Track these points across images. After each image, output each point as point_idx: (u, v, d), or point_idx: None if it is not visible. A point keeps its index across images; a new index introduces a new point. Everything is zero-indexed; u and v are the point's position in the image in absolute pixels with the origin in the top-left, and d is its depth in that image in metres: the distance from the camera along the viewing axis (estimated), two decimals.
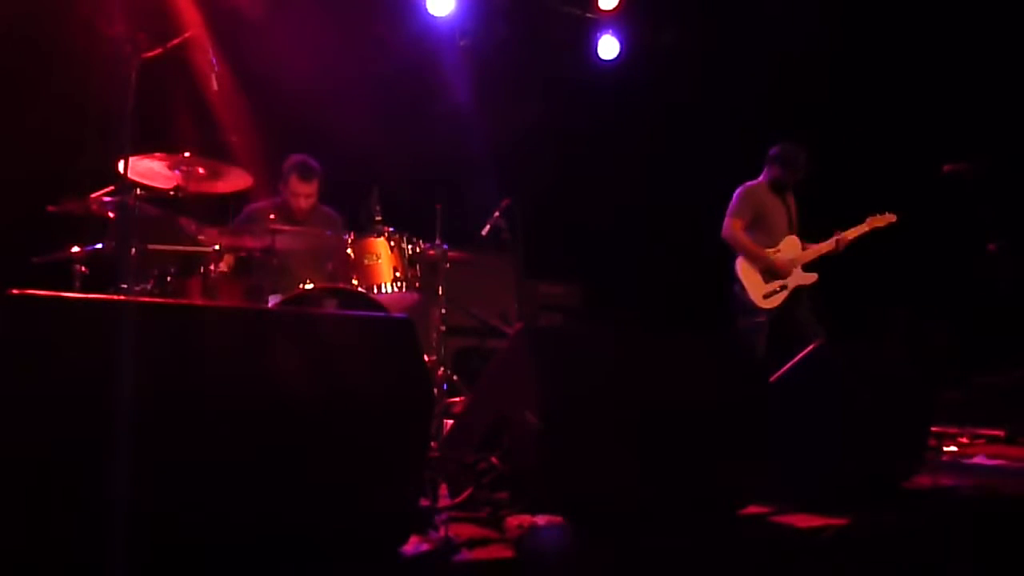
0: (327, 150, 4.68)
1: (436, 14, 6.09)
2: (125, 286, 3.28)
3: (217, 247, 3.76)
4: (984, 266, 5.00)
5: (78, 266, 3.64)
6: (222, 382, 1.62)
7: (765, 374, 2.64)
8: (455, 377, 4.32)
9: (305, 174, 4.46)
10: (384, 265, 4.05)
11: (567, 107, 6.71)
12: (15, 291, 1.46)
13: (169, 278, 3.60)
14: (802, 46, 6.25)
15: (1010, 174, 5.25)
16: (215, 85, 3.81)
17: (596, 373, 2.15)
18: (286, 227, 3.89)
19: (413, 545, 1.79)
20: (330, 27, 5.43)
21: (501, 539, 1.92)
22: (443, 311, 4.39)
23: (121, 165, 3.32)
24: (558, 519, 2.06)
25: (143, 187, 3.56)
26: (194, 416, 1.57)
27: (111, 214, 3.57)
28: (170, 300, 3.27)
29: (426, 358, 2.77)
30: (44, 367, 1.45)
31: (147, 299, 3.07)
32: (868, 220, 5.31)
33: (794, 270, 5.13)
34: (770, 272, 5.12)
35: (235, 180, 3.83)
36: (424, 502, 1.99)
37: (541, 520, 2.05)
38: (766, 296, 5.10)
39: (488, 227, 4.87)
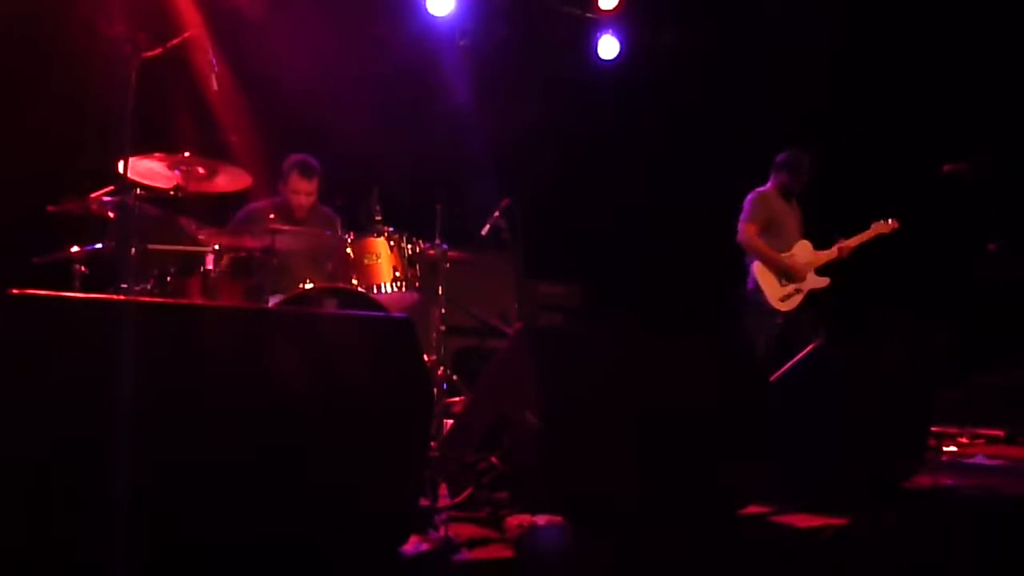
0: (327, 150, 4.68)
1: (436, 14, 6.09)
2: (125, 286, 3.28)
3: (217, 247, 3.76)
4: (984, 266, 5.00)
5: (78, 266, 3.64)
6: (222, 382, 1.62)
7: (765, 374, 2.64)
8: (455, 377, 4.32)
9: (306, 172, 4.47)
10: (384, 265, 4.05)
11: (567, 107, 6.70)
12: (15, 291, 1.46)
13: (169, 278, 3.60)
14: (802, 46, 6.25)
15: (1010, 174, 5.25)
16: (215, 85, 3.81)
17: (596, 373, 2.15)
18: (286, 227, 3.89)
19: (413, 545, 1.79)
20: (330, 27, 5.43)
21: (501, 539, 1.92)
22: (443, 311, 4.39)
23: (121, 165, 3.32)
24: (558, 519, 2.06)
25: (143, 187, 3.56)
26: (194, 416, 1.57)
27: (111, 214, 3.57)
28: (170, 300, 3.27)
29: (426, 358, 2.77)
30: (44, 367, 1.45)
31: (147, 299, 3.07)
32: (873, 227, 5.39)
33: (808, 274, 5.22)
34: (785, 276, 5.19)
35: (235, 180, 3.83)
36: (424, 502, 1.99)
37: (541, 520, 2.05)
38: (783, 299, 5.17)
39: (488, 227, 4.87)
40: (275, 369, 1.66)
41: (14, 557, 1.39)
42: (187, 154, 3.55)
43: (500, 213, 4.88)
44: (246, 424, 1.61)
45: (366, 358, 1.80)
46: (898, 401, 2.85)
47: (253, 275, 4.09)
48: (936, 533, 2.50)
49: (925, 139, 6.07)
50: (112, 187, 3.50)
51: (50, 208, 3.60)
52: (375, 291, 3.98)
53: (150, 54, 3.40)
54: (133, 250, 3.30)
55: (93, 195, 3.51)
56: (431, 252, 4.31)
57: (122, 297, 2.88)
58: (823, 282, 5.24)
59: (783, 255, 5.21)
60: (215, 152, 3.88)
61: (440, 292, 4.37)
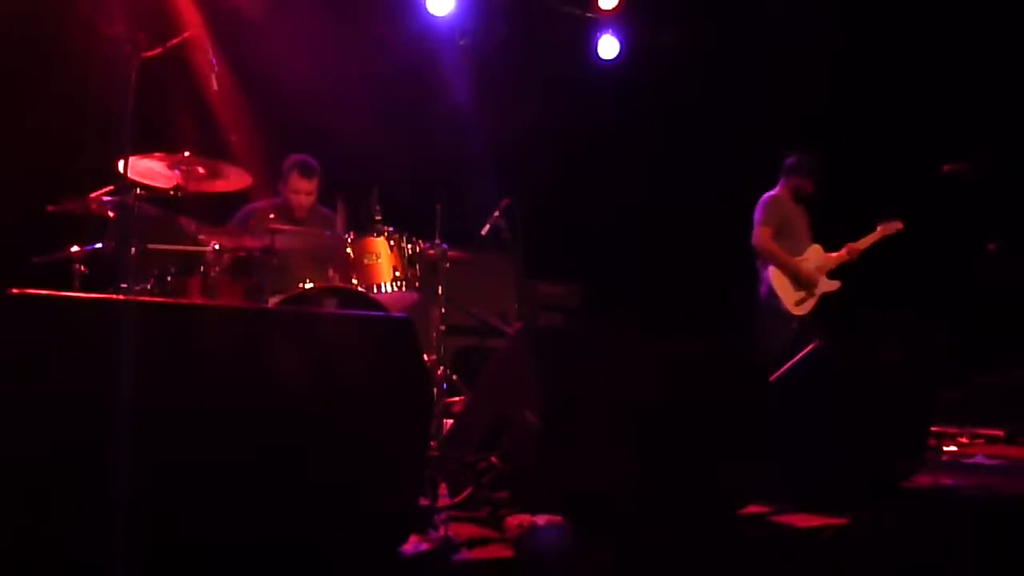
0: (327, 150, 4.68)
1: (436, 14, 6.09)
2: (125, 286, 3.28)
3: (217, 247, 3.76)
4: (984, 266, 5.01)
5: (78, 266, 3.64)
6: (222, 382, 1.62)
7: (765, 374, 2.64)
8: (455, 377, 4.32)
9: (306, 171, 4.47)
10: (384, 264, 4.05)
11: (567, 107, 6.70)
12: (15, 291, 1.46)
13: (169, 278, 3.60)
14: (802, 46, 6.25)
15: (1010, 174, 5.25)
16: (215, 85, 3.81)
17: (596, 373, 2.15)
18: (286, 227, 3.89)
19: (413, 545, 1.79)
20: (330, 27, 5.43)
21: (501, 539, 1.92)
22: (443, 311, 4.39)
23: (121, 165, 3.32)
24: (558, 519, 2.06)
25: (143, 187, 3.56)
26: (194, 416, 1.57)
27: (111, 214, 3.57)
28: (170, 300, 3.27)
29: (426, 358, 2.77)
30: (44, 367, 1.45)
31: (147, 299, 3.07)
32: (879, 228, 5.43)
33: (820, 277, 5.26)
34: (798, 280, 5.22)
35: (235, 180, 3.83)
36: (424, 502, 1.99)
37: (541, 520, 2.05)
38: (798, 303, 5.22)
39: (488, 227, 4.87)
40: (275, 369, 1.66)
41: (14, 557, 1.39)
42: (187, 154, 3.55)
43: (500, 213, 4.88)
44: (246, 424, 1.61)
45: (366, 358, 1.80)
46: (898, 401, 2.85)
47: (253, 275, 4.09)
48: (936, 533, 2.50)
49: (925, 139, 6.07)
50: (112, 187, 3.50)
51: (50, 208, 3.60)
52: (375, 291, 3.98)
53: (150, 54, 3.41)
54: (133, 250, 3.30)
55: (93, 195, 3.51)
56: (431, 252, 4.30)
57: (122, 297, 2.87)
58: (835, 285, 5.29)
59: (796, 259, 5.25)
60: (215, 152, 3.88)
61: (440, 292, 4.37)
